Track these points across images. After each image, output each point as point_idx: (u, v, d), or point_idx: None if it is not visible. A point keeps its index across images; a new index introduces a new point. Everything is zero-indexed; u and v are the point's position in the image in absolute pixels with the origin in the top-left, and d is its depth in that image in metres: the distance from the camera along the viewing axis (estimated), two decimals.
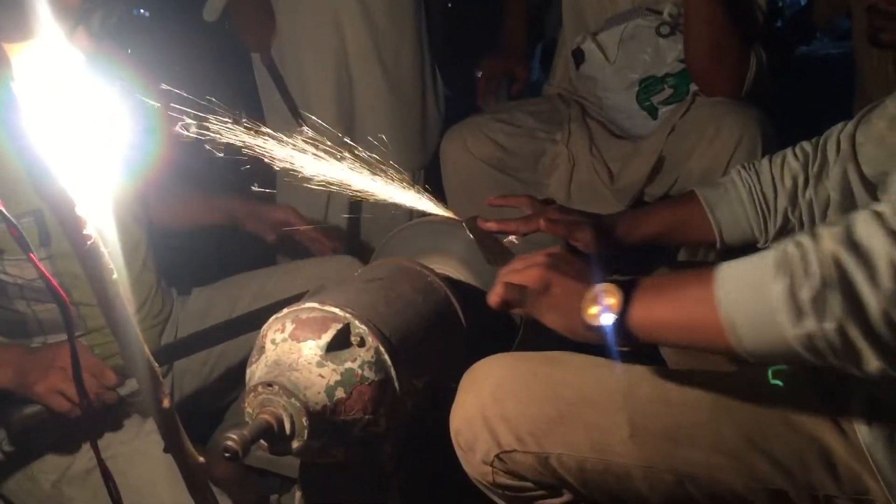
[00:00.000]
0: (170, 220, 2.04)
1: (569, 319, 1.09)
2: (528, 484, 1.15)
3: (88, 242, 0.72)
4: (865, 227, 0.83)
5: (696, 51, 2.04)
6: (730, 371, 1.19)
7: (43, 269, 0.78)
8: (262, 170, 1.25)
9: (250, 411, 1.07)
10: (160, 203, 2.00)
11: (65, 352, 1.48)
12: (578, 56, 2.37)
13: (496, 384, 1.14)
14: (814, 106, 2.32)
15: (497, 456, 1.12)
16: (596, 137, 2.31)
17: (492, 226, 1.45)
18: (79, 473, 1.66)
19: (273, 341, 1.14)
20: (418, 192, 1.46)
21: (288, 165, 1.26)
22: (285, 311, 1.18)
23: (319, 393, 1.08)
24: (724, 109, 2.00)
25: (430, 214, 1.50)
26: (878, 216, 0.83)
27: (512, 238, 1.49)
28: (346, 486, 1.22)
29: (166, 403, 0.81)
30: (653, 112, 2.27)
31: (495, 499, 1.20)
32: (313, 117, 1.69)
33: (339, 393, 1.09)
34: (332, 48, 2.41)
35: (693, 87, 2.19)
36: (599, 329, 1.04)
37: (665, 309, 1.01)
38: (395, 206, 1.44)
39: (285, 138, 1.26)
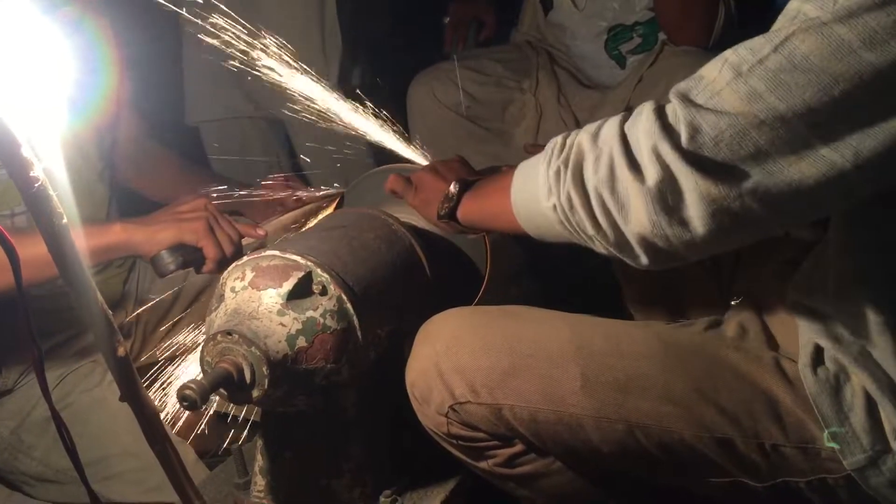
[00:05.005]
0: (156, 194, 1.92)
1: (429, 211, 1.30)
2: (482, 434, 1.16)
3: (36, 185, 0.69)
4: (610, 125, 0.97)
5: None
6: (683, 323, 1.20)
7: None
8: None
9: (209, 360, 1.06)
10: (139, 170, 1.92)
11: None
12: (546, 3, 2.34)
13: (451, 336, 1.14)
14: None
15: (451, 407, 1.13)
16: (564, 87, 2.29)
17: None
18: (39, 421, 1.64)
19: (233, 289, 1.13)
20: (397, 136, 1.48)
21: None
22: (245, 258, 1.16)
23: (280, 342, 1.07)
24: (692, 59, 1.99)
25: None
26: (624, 118, 0.96)
27: None
28: (308, 434, 1.22)
29: (121, 352, 0.79)
30: (621, 61, 2.26)
31: (450, 449, 1.21)
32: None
33: (301, 342, 1.08)
34: None
35: (661, 37, 2.17)
36: (444, 217, 1.26)
37: (480, 198, 1.23)
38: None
39: None
